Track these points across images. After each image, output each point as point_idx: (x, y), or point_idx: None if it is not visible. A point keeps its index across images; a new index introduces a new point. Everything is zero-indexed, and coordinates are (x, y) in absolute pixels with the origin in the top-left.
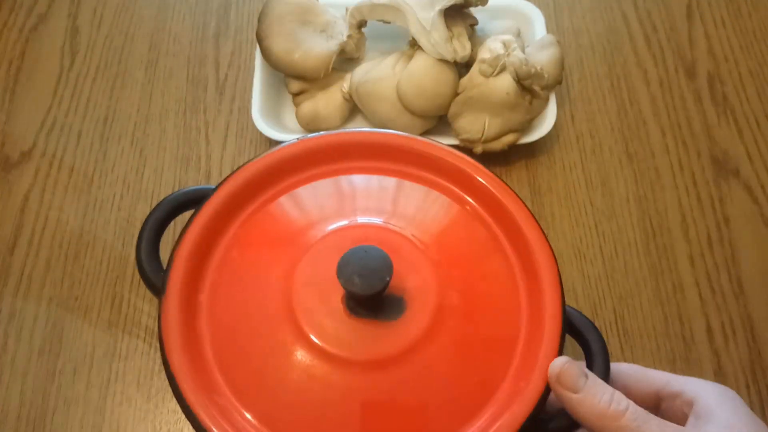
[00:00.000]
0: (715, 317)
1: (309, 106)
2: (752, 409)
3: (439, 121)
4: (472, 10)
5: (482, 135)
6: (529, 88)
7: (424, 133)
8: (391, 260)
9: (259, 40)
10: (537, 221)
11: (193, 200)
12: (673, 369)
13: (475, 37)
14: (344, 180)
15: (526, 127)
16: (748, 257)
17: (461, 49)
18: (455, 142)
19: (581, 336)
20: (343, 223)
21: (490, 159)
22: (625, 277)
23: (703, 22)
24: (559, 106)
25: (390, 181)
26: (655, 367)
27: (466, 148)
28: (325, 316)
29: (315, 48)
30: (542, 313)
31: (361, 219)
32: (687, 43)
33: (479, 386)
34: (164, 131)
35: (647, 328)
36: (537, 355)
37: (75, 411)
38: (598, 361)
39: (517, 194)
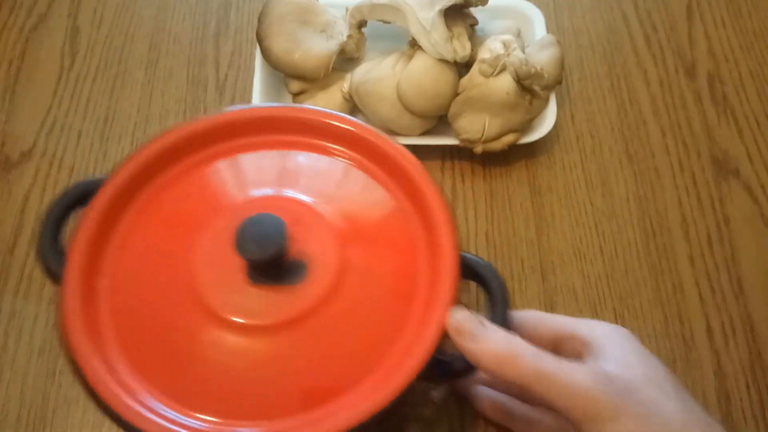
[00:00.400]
0: (715, 317)
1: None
2: (752, 409)
3: (439, 121)
4: (472, 10)
5: (482, 135)
6: (529, 88)
7: (425, 133)
8: (286, 225)
9: (259, 40)
10: (429, 175)
11: (93, 191)
12: (674, 369)
13: (475, 37)
14: (239, 157)
15: (526, 127)
16: (748, 257)
17: (461, 49)
18: (455, 142)
19: (480, 277)
20: (241, 197)
21: (490, 159)
22: (625, 277)
23: (703, 22)
24: (559, 106)
25: (284, 153)
26: None
27: (466, 148)
28: (226, 286)
29: (315, 48)
30: (439, 262)
31: (259, 191)
32: (687, 43)
33: (382, 338)
34: None
35: (647, 329)
36: (435, 303)
37: (75, 411)
38: (498, 298)
39: (412, 154)
